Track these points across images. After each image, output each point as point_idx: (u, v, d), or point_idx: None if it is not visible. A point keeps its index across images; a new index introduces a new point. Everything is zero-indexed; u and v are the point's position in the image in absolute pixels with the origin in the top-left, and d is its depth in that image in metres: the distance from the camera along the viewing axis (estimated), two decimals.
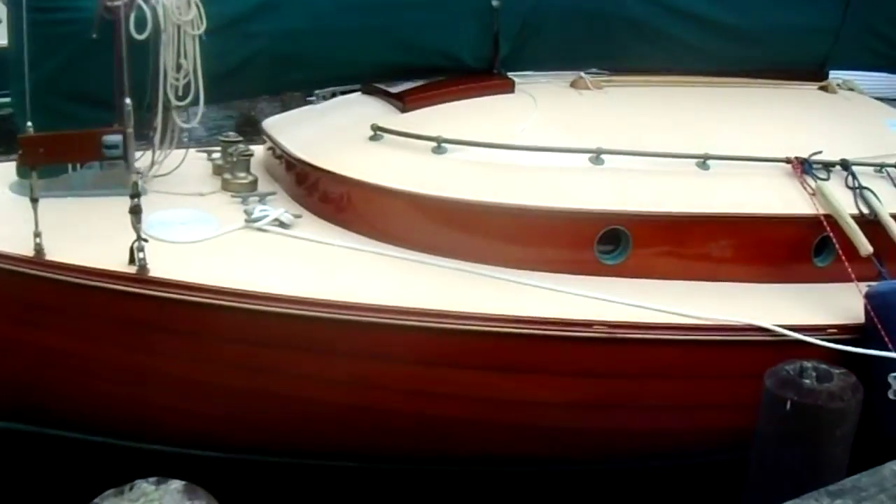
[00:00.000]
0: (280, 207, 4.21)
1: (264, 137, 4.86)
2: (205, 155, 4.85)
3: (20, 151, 3.62)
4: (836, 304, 4.20)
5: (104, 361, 3.77)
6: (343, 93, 5.28)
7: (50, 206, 3.79)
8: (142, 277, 3.55)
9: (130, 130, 3.54)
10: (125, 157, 3.57)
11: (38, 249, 3.59)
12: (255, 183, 4.46)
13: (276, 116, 5.11)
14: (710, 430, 4.08)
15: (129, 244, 3.59)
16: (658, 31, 4.84)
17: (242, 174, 4.46)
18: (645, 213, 4.09)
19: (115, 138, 3.56)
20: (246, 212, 4.17)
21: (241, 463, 4.06)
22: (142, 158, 4.23)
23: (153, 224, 3.84)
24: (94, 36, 3.89)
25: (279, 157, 4.61)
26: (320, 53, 4.34)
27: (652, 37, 4.85)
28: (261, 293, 3.55)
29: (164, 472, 2.42)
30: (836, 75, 5.53)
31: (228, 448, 3.97)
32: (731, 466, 3.89)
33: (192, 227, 3.94)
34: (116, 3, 3.81)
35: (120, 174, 4.23)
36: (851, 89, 5.40)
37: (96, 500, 2.28)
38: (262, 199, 4.32)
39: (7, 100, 4.73)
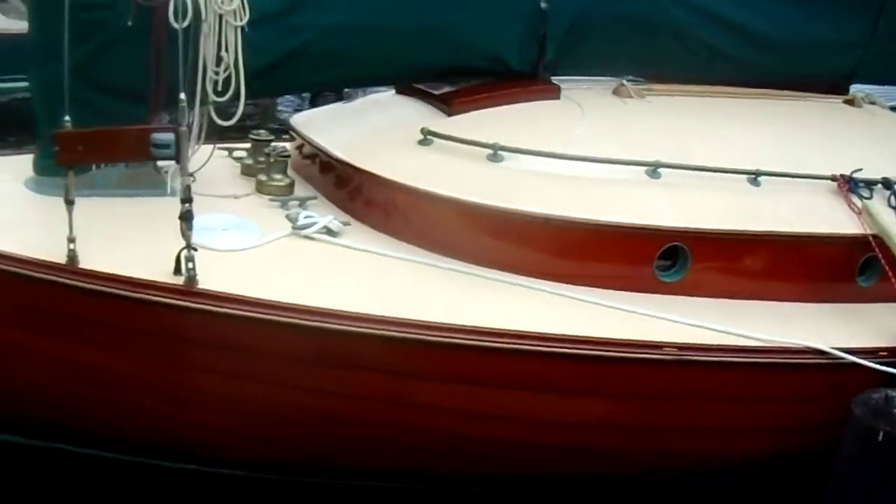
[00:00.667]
0: (324, 213, 4.02)
1: (293, 135, 4.65)
2: (225, 152, 4.62)
3: (56, 148, 3.36)
4: (883, 325, 4.23)
5: (144, 378, 3.59)
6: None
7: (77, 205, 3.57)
8: (192, 290, 3.36)
9: (185, 129, 3.34)
10: (178, 159, 3.34)
11: (72, 256, 3.37)
12: (292, 186, 4.29)
13: (305, 113, 4.92)
14: (765, 452, 4.08)
15: (173, 252, 3.40)
16: (697, 38, 4.82)
17: (279, 176, 4.28)
18: (705, 231, 4.05)
19: (167, 137, 3.33)
20: (289, 217, 4.00)
21: (285, 483, 3.90)
22: None
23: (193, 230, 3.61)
24: (129, 23, 3.68)
25: (313, 158, 4.42)
26: (365, 51, 4.17)
27: (691, 44, 4.83)
28: (329, 310, 3.38)
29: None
30: (855, 88, 5.59)
31: (273, 469, 3.80)
32: (783, 486, 3.90)
33: (236, 234, 3.76)
34: None
35: (147, 174, 4.03)
36: (873, 103, 5.47)
37: None
38: (303, 203, 4.14)
39: (9, 85, 4.46)
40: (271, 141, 4.43)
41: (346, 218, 4.07)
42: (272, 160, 4.25)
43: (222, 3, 3.77)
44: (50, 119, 3.97)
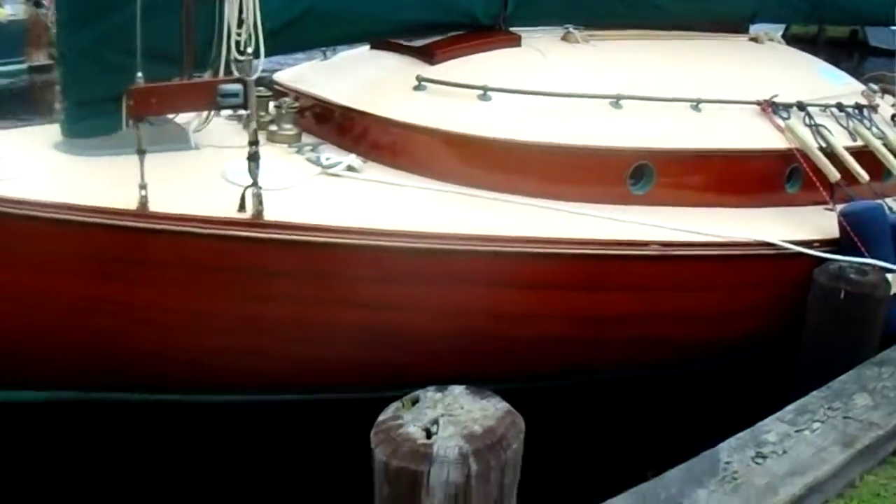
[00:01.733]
0: (340, 154, 4.57)
1: (279, 90, 5.12)
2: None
3: (129, 102, 3.76)
4: (811, 222, 5.15)
5: (219, 314, 3.98)
6: None
7: (110, 164, 4.00)
8: (264, 222, 3.80)
9: (251, 80, 3.79)
10: (245, 106, 3.79)
11: (143, 202, 3.75)
12: (300, 134, 4.77)
13: (288, 71, 5.38)
14: (732, 334, 4.91)
15: (220, 195, 3.86)
16: None
17: (289, 126, 4.76)
18: (666, 150, 4.83)
19: (234, 87, 3.77)
20: (310, 160, 4.49)
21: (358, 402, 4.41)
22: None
23: (237, 173, 4.09)
24: None
25: (310, 109, 4.92)
26: (362, 10, 4.71)
27: None
28: (384, 230, 3.92)
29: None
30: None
31: (345, 389, 4.30)
32: (748, 365, 4.74)
33: (275, 175, 4.20)
34: None
35: (172, 130, 4.45)
36: (772, 39, 6.44)
37: (386, 413, 2.62)
38: (314, 148, 4.65)
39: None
40: (269, 98, 4.88)
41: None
42: (283, 112, 4.72)
43: None
44: (79, 84, 4.38)
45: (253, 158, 3.77)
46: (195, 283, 3.89)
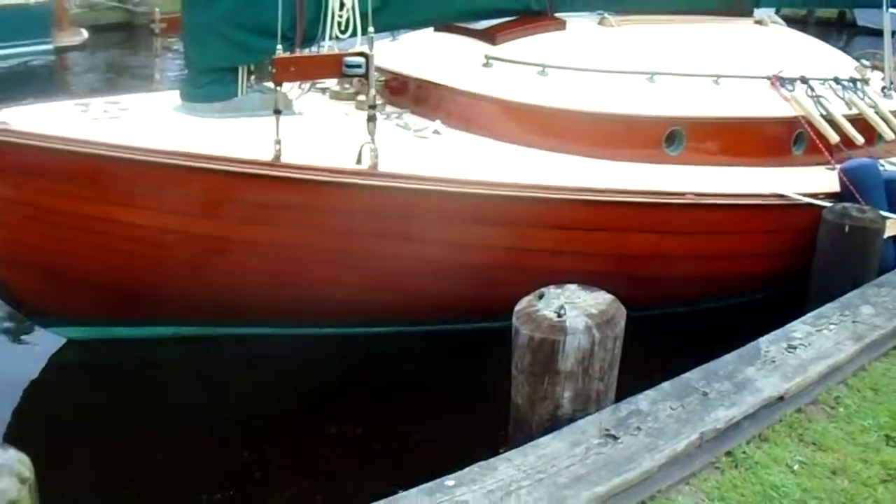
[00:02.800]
0: (423, 120, 5.53)
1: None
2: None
3: (273, 70, 4.67)
4: (814, 178, 6.19)
5: (339, 251, 4.88)
6: None
7: (226, 125, 4.92)
8: (381, 172, 4.74)
9: (372, 54, 4.71)
10: (367, 76, 4.73)
11: (277, 155, 4.64)
12: (385, 104, 5.73)
13: None
14: (753, 272, 5.93)
15: (328, 151, 4.78)
16: None
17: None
18: (695, 117, 5.84)
19: (358, 59, 4.71)
20: (399, 125, 5.45)
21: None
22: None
23: (352, 133, 4.97)
24: None
25: (391, 82, 5.86)
26: None
27: None
28: (486, 181, 4.88)
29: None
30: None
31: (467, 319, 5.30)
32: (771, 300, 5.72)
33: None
34: None
35: (279, 98, 5.35)
36: (775, 22, 7.49)
37: (521, 304, 3.56)
38: (400, 115, 5.60)
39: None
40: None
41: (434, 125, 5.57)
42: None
43: None
44: (200, 56, 5.30)
45: (371, 119, 4.67)
46: (317, 225, 4.78)
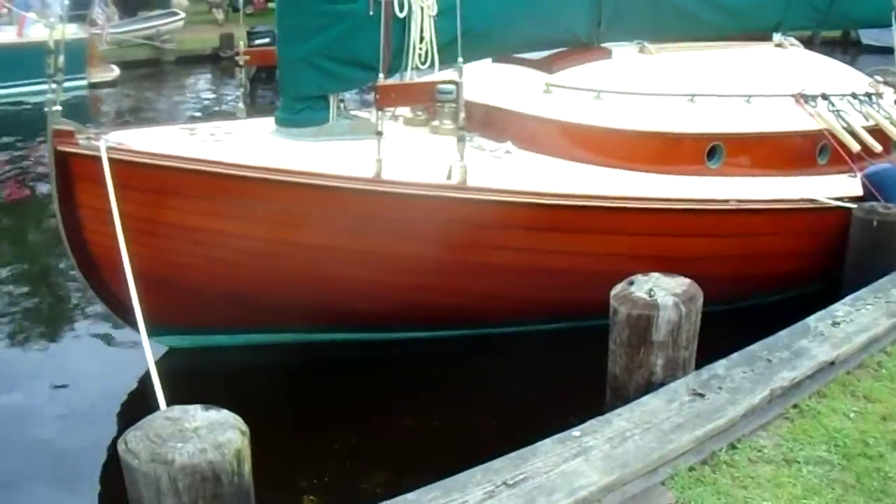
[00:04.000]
0: (493, 142, 6.32)
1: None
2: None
3: (377, 96, 5.42)
4: (839, 184, 7.00)
5: (432, 258, 5.54)
6: None
7: (321, 148, 5.62)
8: (470, 186, 5.47)
9: (462, 81, 5.44)
10: (457, 101, 5.48)
11: (378, 171, 5.33)
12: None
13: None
14: (792, 270, 6.71)
15: (420, 169, 5.48)
16: (686, 11, 7.45)
17: (448, 122, 6.39)
18: (733, 133, 6.65)
19: (450, 87, 5.50)
20: (475, 147, 6.16)
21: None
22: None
23: (434, 154, 5.76)
24: (371, 13, 5.69)
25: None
26: (502, 31, 6.46)
27: (682, 15, 7.44)
28: (561, 193, 5.65)
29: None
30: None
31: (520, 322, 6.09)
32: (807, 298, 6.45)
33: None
34: None
35: (365, 124, 6.08)
36: (793, 45, 8.35)
37: (617, 289, 4.34)
38: (471, 138, 6.27)
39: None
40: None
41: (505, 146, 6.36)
42: (446, 110, 6.38)
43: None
44: (295, 85, 6.06)
45: (461, 140, 5.41)
46: (414, 235, 5.45)
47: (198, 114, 16.19)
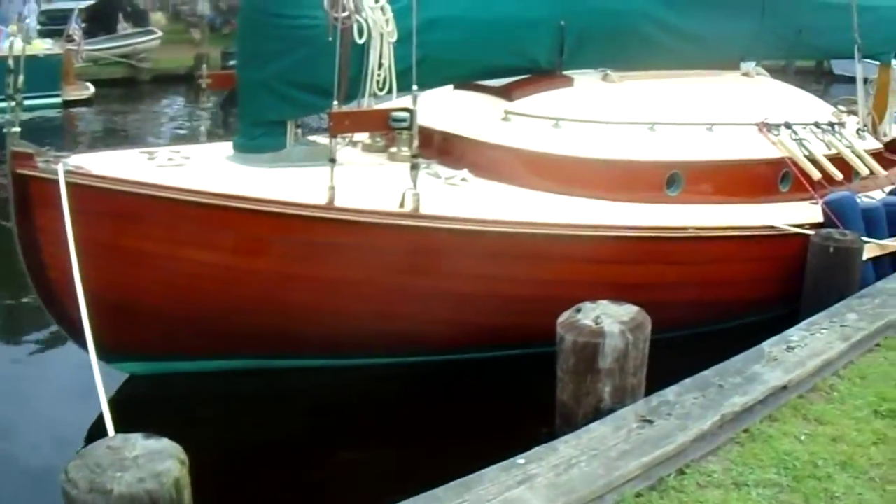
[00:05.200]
0: (449, 170, 6.37)
1: None
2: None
3: (331, 123, 5.44)
4: (800, 211, 7.10)
5: (384, 285, 5.58)
6: None
7: (276, 173, 5.67)
8: (423, 214, 5.48)
9: (416, 109, 5.46)
10: (410, 128, 5.50)
11: (332, 198, 5.32)
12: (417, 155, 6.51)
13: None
14: (751, 296, 6.79)
15: (371, 196, 5.50)
16: (651, 39, 7.54)
17: (406, 149, 6.42)
18: (692, 162, 6.75)
19: (403, 114, 5.50)
20: (430, 174, 6.19)
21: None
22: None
23: (390, 181, 5.77)
24: (330, 39, 5.68)
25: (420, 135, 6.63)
26: (462, 58, 6.53)
27: (647, 44, 7.54)
28: (516, 221, 5.67)
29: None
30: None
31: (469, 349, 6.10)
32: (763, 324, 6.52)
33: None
34: (346, 14, 5.74)
35: (322, 150, 5.97)
36: (760, 74, 8.48)
37: (563, 317, 4.39)
38: (428, 165, 6.33)
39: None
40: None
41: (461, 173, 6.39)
42: (403, 137, 6.42)
43: (384, 26, 5.95)
44: (254, 110, 6.09)
45: (415, 167, 5.44)
46: (367, 262, 5.48)
47: (171, 133, 16.18)
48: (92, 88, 20.33)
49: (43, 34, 20.09)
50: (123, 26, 25.90)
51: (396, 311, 5.73)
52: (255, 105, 6.08)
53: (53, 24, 22.94)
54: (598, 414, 4.27)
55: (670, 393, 4.38)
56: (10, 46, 5.80)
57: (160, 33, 25.64)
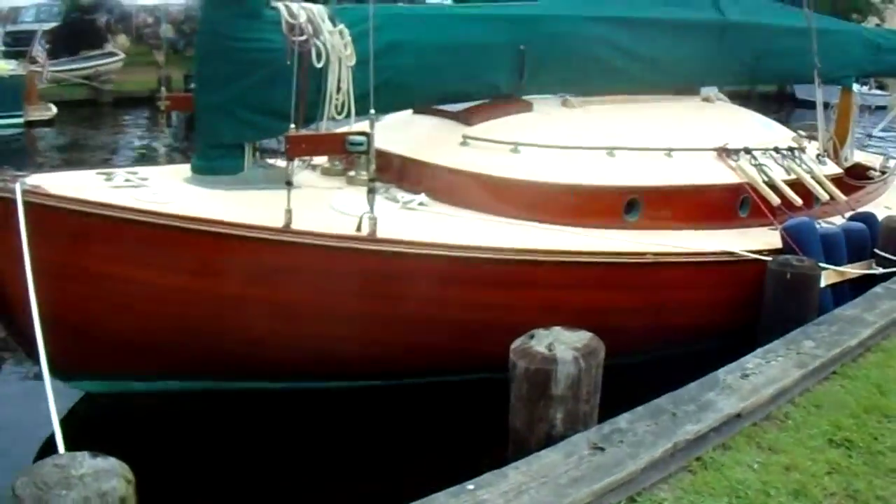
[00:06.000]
0: (407, 194, 6.38)
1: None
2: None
3: (287, 146, 5.48)
4: (759, 237, 7.16)
5: (339, 308, 5.58)
6: None
7: (233, 196, 5.67)
8: (380, 238, 5.52)
9: (373, 133, 5.49)
10: (368, 152, 5.52)
11: (288, 221, 5.36)
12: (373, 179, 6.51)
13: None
14: (708, 322, 6.82)
15: (328, 220, 5.55)
16: (609, 64, 7.62)
17: (364, 173, 6.40)
18: (650, 187, 6.79)
19: (360, 138, 5.52)
20: (388, 198, 6.20)
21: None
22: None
23: (345, 204, 5.85)
24: (289, 62, 5.76)
25: (378, 159, 6.62)
26: (422, 82, 6.56)
27: (605, 69, 7.61)
28: (472, 245, 5.70)
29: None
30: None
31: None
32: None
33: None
34: (303, 38, 5.82)
35: (279, 173, 5.99)
36: (720, 99, 8.57)
37: (516, 343, 4.36)
38: (387, 189, 6.36)
39: None
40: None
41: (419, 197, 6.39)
42: (361, 160, 6.41)
43: (342, 50, 5.98)
44: (211, 133, 6.09)
45: (371, 192, 5.48)
46: (324, 285, 5.49)
47: (131, 155, 16.16)
48: (54, 109, 20.37)
49: (7, 55, 20.05)
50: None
51: (351, 335, 5.73)
52: (212, 127, 6.07)
53: (17, 45, 22.93)
54: (550, 440, 4.26)
55: (623, 420, 4.37)
56: None
57: (122, 55, 25.63)
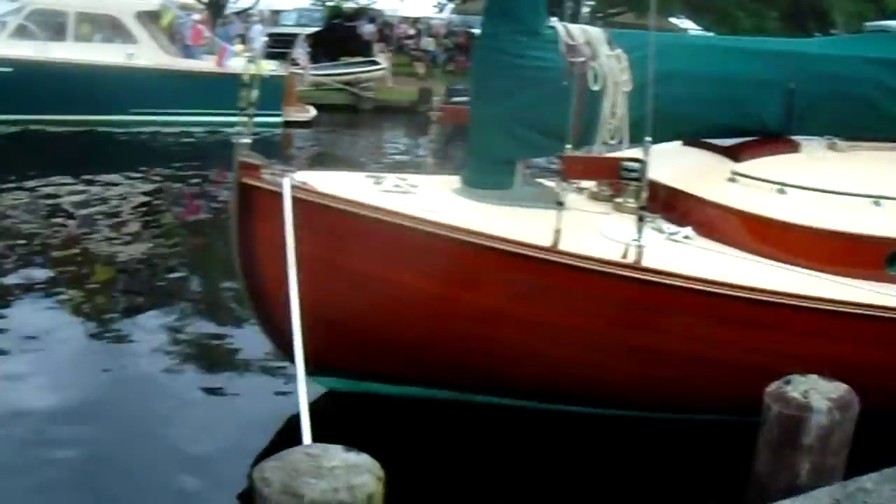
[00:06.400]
0: (667, 227, 6.38)
1: None
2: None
3: (564, 166, 5.63)
4: None
5: (600, 337, 5.62)
6: None
7: (501, 211, 5.80)
8: (645, 267, 5.50)
9: (647, 160, 5.53)
10: (640, 179, 5.54)
11: (556, 242, 5.43)
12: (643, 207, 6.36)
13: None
14: None
15: (596, 244, 5.60)
16: (882, 110, 7.28)
17: (632, 200, 6.36)
18: None
19: (635, 165, 5.56)
20: (654, 229, 6.17)
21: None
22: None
23: (613, 230, 5.93)
24: (565, 83, 5.87)
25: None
26: (693, 113, 6.59)
27: (879, 114, 7.28)
28: (735, 284, 5.61)
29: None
30: None
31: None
32: None
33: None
34: (582, 60, 5.94)
35: (549, 193, 6.19)
36: None
37: (772, 387, 4.32)
38: (653, 219, 6.29)
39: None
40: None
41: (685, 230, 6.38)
42: (630, 188, 6.33)
43: (619, 75, 6.07)
44: (484, 146, 6.30)
45: (640, 220, 5.51)
46: (583, 309, 5.57)
47: (387, 163, 16.84)
48: (313, 111, 21.31)
49: (269, 56, 21.22)
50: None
51: (602, 361, 5.77)
52: (487, 141, 6.28)
53: (278, 47, 24.28)
54: (792, 490, 4.24)
55: (868, 480, 4.27)
56: (248, 64, 6.22)
57: (385, 65, 26.39)
